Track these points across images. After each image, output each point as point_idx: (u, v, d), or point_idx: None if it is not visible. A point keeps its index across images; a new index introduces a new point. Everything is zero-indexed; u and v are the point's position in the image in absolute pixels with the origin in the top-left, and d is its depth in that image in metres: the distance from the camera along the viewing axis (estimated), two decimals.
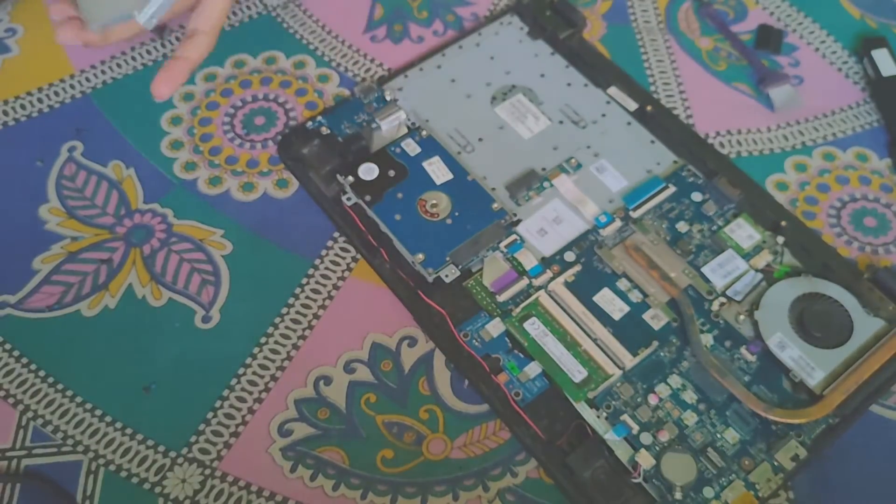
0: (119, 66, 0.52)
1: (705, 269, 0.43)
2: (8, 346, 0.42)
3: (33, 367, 0.42)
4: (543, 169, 0.46)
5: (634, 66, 0.53)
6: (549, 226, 0.44)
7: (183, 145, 0.49)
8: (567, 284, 0.42)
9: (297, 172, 0.47)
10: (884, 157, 0.50)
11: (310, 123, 0.48)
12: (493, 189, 0.46)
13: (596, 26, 0.55)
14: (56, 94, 0.51)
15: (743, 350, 0.40)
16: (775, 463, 0.38)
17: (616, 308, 0.41)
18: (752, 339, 0.41)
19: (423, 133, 0.46)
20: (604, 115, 0.49)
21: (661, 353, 0.40)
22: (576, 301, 0.41)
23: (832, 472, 0.39)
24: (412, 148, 0.46)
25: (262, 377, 0.41)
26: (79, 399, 0.41)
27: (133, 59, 0.53)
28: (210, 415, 0.40)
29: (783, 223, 0.44)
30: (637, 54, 0.54)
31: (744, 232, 0.44)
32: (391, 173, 0.45)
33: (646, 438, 0.38)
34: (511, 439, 0.40)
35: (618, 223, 0.44)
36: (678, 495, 0.37)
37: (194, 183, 0.48)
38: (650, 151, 0.48)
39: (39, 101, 0.51)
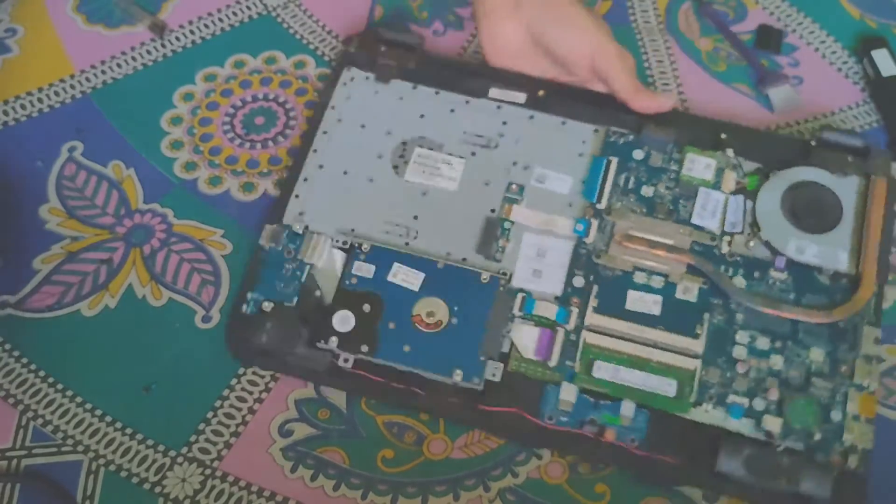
0: (119, 66, 0.52)
1: (694, 220, 0.42)
2: (8, 346, 0.42)
3: (33, 367, 0.42)
4: (493, 210, 0.43)
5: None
6: (537, 263, 0.42)
7: (183, 145, 0.49)
8: (597, 310, 0.40)
9: (272, 366, 0.41)
10: None
11: (245, 307, 0.41)
12: (464, 259, 0.42)
13: None
14: (56, 94, 0.51)
15: (772, 272, 0.41)
16: (865, 355, 0.39)
17: (650, 303, 0.40)
18: (772, 257, 0.41)
19: (364, 247, 0.41)
20: (504, 123, 0.46)
21: (715, 320, 0.40)
22: (615, 320, 0.40)
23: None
24: (364, 270, 0.41)
25: (262, 377, 0.41)
26: (79, 399, 0.41)
27: (133, 59, 0.52)
28: (210, 414, 0.40)
29: (723, 136, 0.44)
30: (637, 54, 0.54)
31: (699, 164, 0.44)
32: (366, 308, 0.40)
33: (759, 404, 0.38)
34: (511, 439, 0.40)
35: (594, 223, 0.42)
36: (818, 436, 0.37)
37: (194, 183, 0.48)
38: (568, 134, 0.45)
39: (39, 101, 0.51)
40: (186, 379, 0.41)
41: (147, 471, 0.39)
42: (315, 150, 0.45)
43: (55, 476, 0.39)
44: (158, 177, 0.48)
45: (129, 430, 0.40)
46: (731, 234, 0.42)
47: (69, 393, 0.41)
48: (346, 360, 0.39)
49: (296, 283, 0.41)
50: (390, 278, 0.41)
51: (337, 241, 0.42)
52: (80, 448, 0.40)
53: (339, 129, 0.46)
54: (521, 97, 0.46)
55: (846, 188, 0.42)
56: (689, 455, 0.37)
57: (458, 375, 0.38)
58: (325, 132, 0.46)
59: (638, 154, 0.44)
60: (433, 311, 0.40)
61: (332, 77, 0.48)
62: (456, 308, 0.40)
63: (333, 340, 0.39)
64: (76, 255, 0.45)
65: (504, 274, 0.41)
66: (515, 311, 0.40)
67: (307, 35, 0.54)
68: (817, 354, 0.39)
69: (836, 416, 0.38)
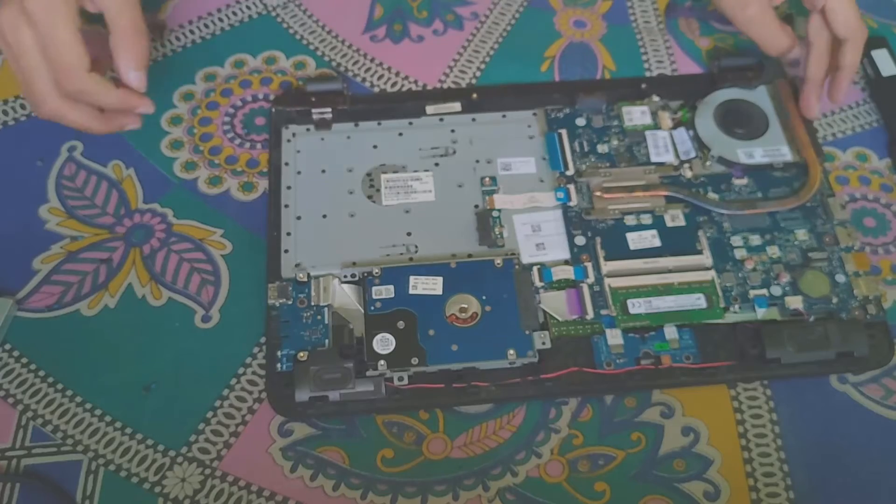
0: None
1: (653, 158, 0.47)
2: (8, 346, 0.42)
3: (33, 367, 0.42)
4: (476, 206, 0.45)
5: (634, 66, 0.53)
6: (537, 238, 0.44)
7: (183, 145, 0.49)
8: (607, 258, 0.43)
9: (330, 411, 0.40)
10: (884, 157, 0.50)
11: (279, 366, 0.40)
12: (470, 255, 0.43)
13: (596, 26, 0.55)
14: None
15: (735, 181, 0.46)
16: (840, 221, 0.44)
17: (649, 238, 0.44)
18: (730, 168, 0.46)
19: (375, 272, 0.41)
20: (453, 131, 0.48)
21: (708, 234, 0.44)
22: (627, 262, 0.43)
23: (832, 472, 0.39)
24: (384, 292, 0.41)
25: (262, 377, 0.41)
26: (79, 399, 0.41)
27: None
28: (210, 414, 0.40)
29: (643, 86, 0.50)
30: (637, 54, 0.54)
31: (635, 113, 0.49)
32: (401, 325, 0.40)
33: (776, 290, 0.42)
34: (511, 438, 0.40)
35: (572, 188, 0.46)
36: (835, 300, 0.42)
37: (194, 183, 0.48)
38: (511, 123, 0.49)
39: None
40: (186, 379, 0.41)
41: (147, 471, 0.39)
42: (287, 206, 0.45)
43: (55, 476, 0.39)
44: (158, 176, 0.48)
45: (128, 430, 0.40)
46: (689, 161, 0.47)
47: (69, 393, 0.41)
48: (400, 379, 0.40)
49: (322, 327, 0.41)
50: (412, 291, 0.41)
51: (345, 276, 0.42)
52: (79, 448, 0.40)
53: (301, 180, 0.46)
54: (456, 106, 0.49)
55: (760, 96, 0.49)
56: (739, 354, 0.41)
57: (512, 355, 0.39)
58: (289, 187, 0.46)
59: (580, 121, 0.49)
60: (465, 306, 0.41)
61: (273, 139, 0.48)
62: (484, 297, 0.41)
63: (382, 364, 0.39)
64: (76, 255, 0.45)
65: (513, 254, 0.43)
66: (537, 283, 0.42)
67: (307, 35, 0.54)
68: (802, 234, 0.44)
69: (840, 278, 0.43)
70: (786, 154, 0.47)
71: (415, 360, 0.39)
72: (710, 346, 0.41)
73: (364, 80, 0.52)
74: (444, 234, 0.44)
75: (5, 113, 0.50)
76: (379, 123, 0.49)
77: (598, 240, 0.44)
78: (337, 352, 0.40)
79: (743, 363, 0.41)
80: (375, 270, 0.42)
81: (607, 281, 0.42)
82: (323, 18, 0.55)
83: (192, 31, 0.54)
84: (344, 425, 0.40)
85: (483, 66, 0.53)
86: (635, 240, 0.44)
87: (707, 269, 0.43)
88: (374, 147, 0.48)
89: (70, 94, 0.39)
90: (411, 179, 0.46)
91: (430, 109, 0.49)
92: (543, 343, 0.40)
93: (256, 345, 0.42)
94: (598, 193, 0.45)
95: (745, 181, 0.46)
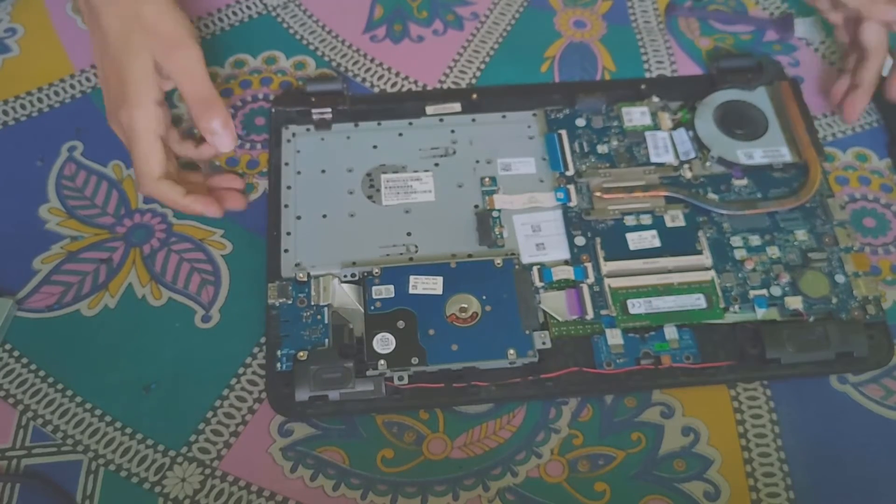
0: None
1: (653, 159, 0.47)
2: (8, 346, 0.42)
3: (33, 367, 0.42)
4: (476, 206, 0.45)
5: (634, 66, 0.53)
6: (538, 238, 0.44)
7: None
8: (607, 259, 0.43)
9: (330, 411, 0.40)
10: (884, 157, 0.50)
11: (279, 366, 0.40)
12: (470, 255, 0.43)
13: (596, 26, 0.55)
14: (56, 94, 0.51)
15: (735, 181, 0.46)
16: (839, 221, 0.44)
17: (649, 238, 0.44)
18: (729, 169, 0.47)
19: (375, 272, 0.42)
20: (452, 131, 0.48)
21: (708, 234, 0.44)
22: (627, 262, 0.43)
23: (832, 472, 0.39)
24: (384, 292, 0.41)
25: (262, 377, 0.41)
26: (79, 399, 0.41)
27: None
28: (210, 414, 0.40)
29: (643, 86, 0.50)
30: (637, 54, 0.54)
31: (635, 114, 0.49)
32: (401, 325, 0.40)
33: (776, 291, 0.42)
34: (511, 438, 0.40)
35: (571, 188, 0.46)
36: (834, 300, 0.42)
37: None
38: (511, 124, 0.49)
39: (39, 101, 0.51)
40: (186, 379, 0.41)
41: (147, 471, 0.39)
42: (287, 206, 0.45)
43: (55, 476, 0.39)
44: None
45: (128, 430, 0.40)
46: (688, 161, 0.47)
47: (69, 393, 0.41)
48: (400, 379, 0.40)
49: (322, 326, 0.41)
50: (412, 291, 0.41)
51: (344, 276, 0.42)
52: (79, 448, 0.40)
53: (301, 180, 0.46)
54: (456, 106, 0.49)
55: (759, 97, 0.49)
56: (739, 354, 0.41)
57: (512, 354, 0.39)
58: (288, 187, 0.46)
59: (580, 122, 0.49)
60: (465, 305, 0.41)
61: (273, 139, 0.48)
62: (484, 297, 0.41)
63: (382, 363, 0.39)
64: (76, 255, 0.45)
65: (513, 254, 0.43)
66: (537, 283, 0.42)
67: (307, 35, 0.54)
68: (802, 234, 0.44)
69: (840, 279, 0.43)
70: (785, 155, 0.47)
71: (415, 360, 0.39)
72: (710, 346, 0.41)
73: (364, 80, 0.52)
74: (444, 234, 0.44)
75: (5, 113, 0.50)
76: (379, 124, 0.49)
77: (598, 240, 0.44)
78: (337, 351, 0.40)
79: (743, 363, 0.41)
80: (375, 270, 0.42)
81: (607, 281, 0.42)
82: (323, 18, 0.55)
83: None
84: (344, 425, 0.40)
85: (483, 67, 0.53)
86: (635, 240, 0.44)
87: (707, 269, 0.43)
88: (374, 147, 0.48)
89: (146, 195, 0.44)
90: (411, 179, 0.46)
91: (430, 110, 0.49)
92: (543, 343, 0.40)
93: (256, 345, 0.42)
94: (597, 194, 0.45)
95: (744, 182, 0.46)
